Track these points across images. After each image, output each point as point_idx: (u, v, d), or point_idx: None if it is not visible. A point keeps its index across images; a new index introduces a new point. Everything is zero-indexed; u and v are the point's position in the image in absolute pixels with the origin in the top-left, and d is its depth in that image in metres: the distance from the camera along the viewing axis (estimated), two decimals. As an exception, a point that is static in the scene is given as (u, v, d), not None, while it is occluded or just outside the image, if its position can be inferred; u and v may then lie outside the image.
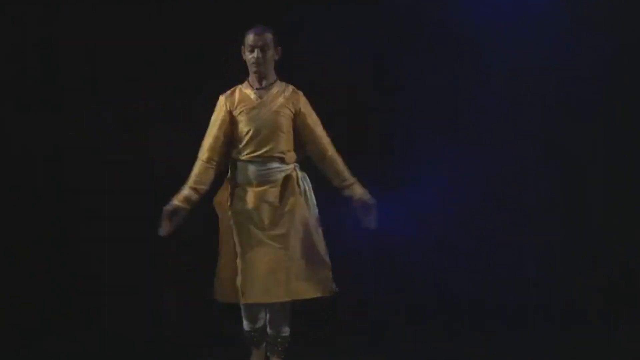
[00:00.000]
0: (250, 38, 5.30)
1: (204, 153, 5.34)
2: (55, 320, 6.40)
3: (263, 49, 5.27)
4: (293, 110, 5.33)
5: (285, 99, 5.32)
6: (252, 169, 5.30)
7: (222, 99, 5.39)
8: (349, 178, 5.34)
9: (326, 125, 5.41)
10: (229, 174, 5.39)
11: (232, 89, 5.40)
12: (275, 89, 5.34)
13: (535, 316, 6.46)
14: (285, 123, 5.31)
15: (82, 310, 6.47)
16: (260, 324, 5.44)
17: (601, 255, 6.54)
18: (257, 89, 5.35)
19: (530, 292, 6.51)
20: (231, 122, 5.34)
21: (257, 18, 5.48)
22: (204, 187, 5.32)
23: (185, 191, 5.29)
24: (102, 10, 6.56)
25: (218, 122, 5.36)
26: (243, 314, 5.44)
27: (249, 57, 5.31)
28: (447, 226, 6.53)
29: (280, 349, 5.40)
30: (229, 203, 5.34)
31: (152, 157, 6.61)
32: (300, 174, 5.37)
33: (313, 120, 5.37)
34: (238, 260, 5.29)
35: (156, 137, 6.62)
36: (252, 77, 5.37)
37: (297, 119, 5.34)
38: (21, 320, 6.36)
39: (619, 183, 6.53)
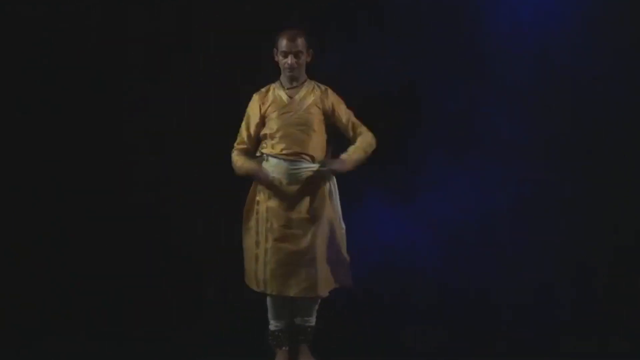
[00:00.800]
0: (283, 44, 5.45)
1: (241, 143, 5.54)
2: (55, 320, 6.40)
3: (297, 55, 5.45)
4: (321, 107, 5.49)
5: (315, 97, 5.50)
6: (283, 167, 5.45)
7: (255, 97, 5.56)
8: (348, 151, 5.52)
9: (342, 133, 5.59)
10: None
11: (266, 87, 5.57)
12: (305, 89, 5.52)
13: (535, 316, 6.45)
14: (316, 121, 5.48)
15: (82, 310, 6.46)
16: (285, 322, 5.55)
17: (601, 255, 6.52)
18: (288, 88, 5.51)
19: (530, 292, 6.50)
20: (262, 121, 5.50)
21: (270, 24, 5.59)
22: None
23: (246, 164, 5.50)
24: (104, 9, 6.56)
25: (252, 120, 5.52)
26: (269, 313, 5.56)
27: (283, 61, 5.46)
28: (447, 227, 6.52)
29: (307, 337, 5.57)
30: (258, 198, 5.47)
31: (153, 157, 6.60)
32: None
33: (342, 110, 5.53)
34: (258, 252, 5.43)
35: (156, 137, 6.61)
36: (283, 78, 5.53)
37: (329, 115, 5.50)
38: (21, 320, 6.36)
39: (619, 183, 6.52)
